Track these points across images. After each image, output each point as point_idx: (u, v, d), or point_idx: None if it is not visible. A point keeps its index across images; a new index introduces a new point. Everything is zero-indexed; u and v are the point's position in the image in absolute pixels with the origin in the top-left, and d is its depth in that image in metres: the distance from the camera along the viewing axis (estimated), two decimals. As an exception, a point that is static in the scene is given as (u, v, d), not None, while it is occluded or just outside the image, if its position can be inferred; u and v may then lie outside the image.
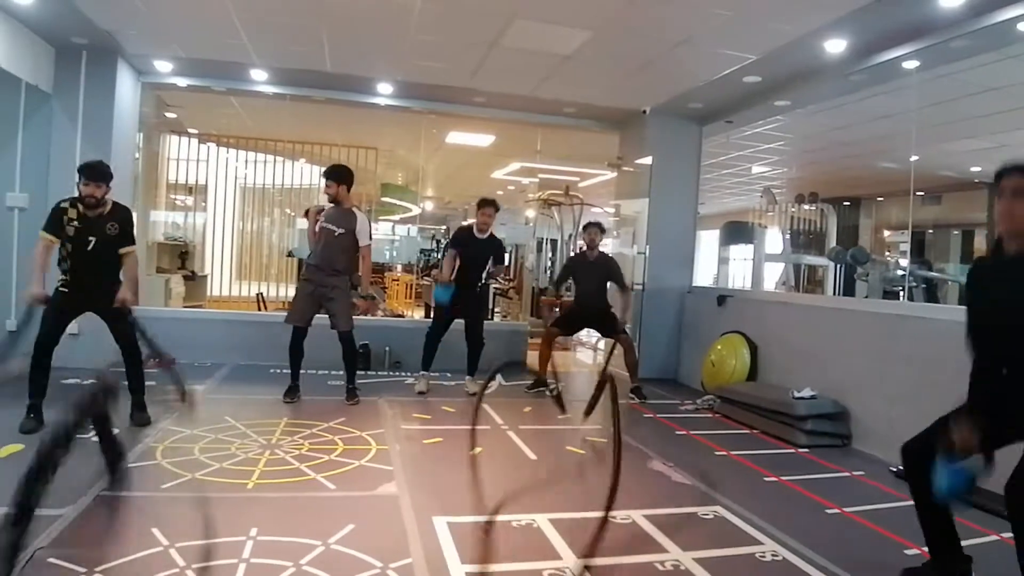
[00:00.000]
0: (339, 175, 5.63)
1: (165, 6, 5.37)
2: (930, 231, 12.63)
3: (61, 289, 4.40)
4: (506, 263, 6.76)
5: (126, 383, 4.74)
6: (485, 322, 6.76)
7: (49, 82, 6.30)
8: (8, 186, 6.23)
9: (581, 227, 7.51)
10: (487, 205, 6.40)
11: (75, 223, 4.36)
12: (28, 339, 5.87)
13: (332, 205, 5.60)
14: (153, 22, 5.72)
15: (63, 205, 4.40)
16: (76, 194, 4.48)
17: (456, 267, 6.35)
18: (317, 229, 5.57)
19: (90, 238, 4.40)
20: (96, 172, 4.40)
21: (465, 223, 6.73)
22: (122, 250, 4.56)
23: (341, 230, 5.53)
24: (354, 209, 5.64)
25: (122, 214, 4.57)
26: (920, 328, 4.65)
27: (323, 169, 5.72)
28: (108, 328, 4.57)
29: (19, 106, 6.22)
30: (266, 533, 2.92)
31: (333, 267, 5.55)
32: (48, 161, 6.29)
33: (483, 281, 6.54)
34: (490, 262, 6.45)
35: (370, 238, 5.68)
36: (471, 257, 6.35)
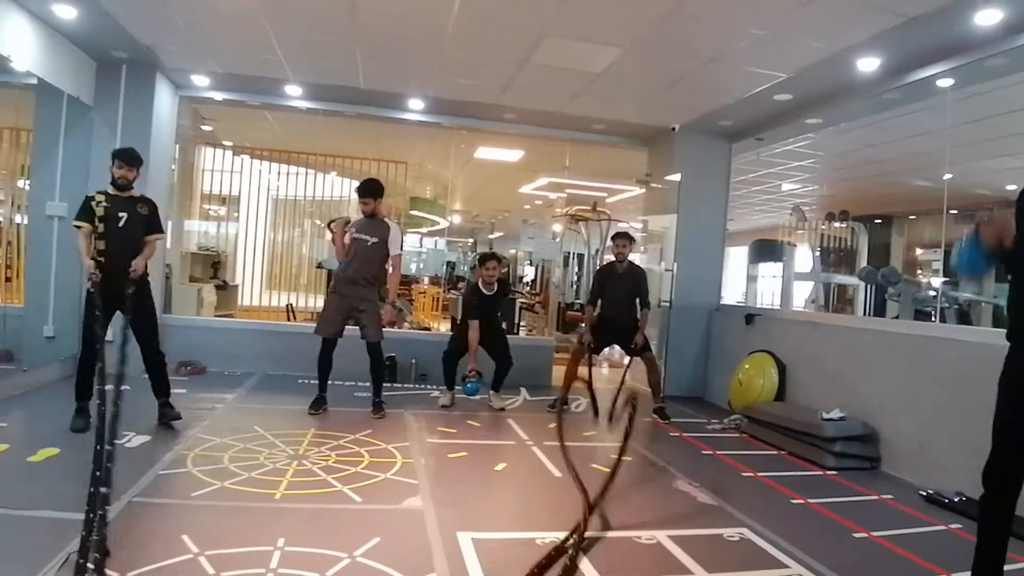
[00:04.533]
0: (375, 191, 5.69)
1: (204, 23, 5.50)
2: (964, 249, 12.42)
3: (91, 290, 4.49)
4: (505, 299, 6.85)
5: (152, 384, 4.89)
6: (510, 336, 6.79)
7: (90, 95, 6.47)
8: (49, 195, 6.38)
9: (610, 237, 7.48)
10: (489, 259, 6.47)
11: (104, 204, 4.60)
12: (65, 345, 6.05)
13: (364, 216, 5.67)
14: (192, 38, 5.86)
15: (90, 195, 4.66)
16: (105, 187, 4.72)
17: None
18: (347, 240, 5.62)
19: (121, 214, 4.62)
20: (128, 156, 4.70)
21: (473, 280, 6.76)
22: (149, 236, 4.77)
23: (374, 239, 5.59)
24: (386, 219, 5.70)
25: (150, 202, 4.84)
26: (952, 351, 4.58)
27: (356, 185, 5.74)
28: (132, 330, 4.66)
29: (61, 118, 6.37)
30: (293, 544, 2.96)
31: (365, 277, 5.61)
32: (88, 172, 6.42)
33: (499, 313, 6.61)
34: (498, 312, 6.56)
35: (401, 248, 5.74)
36: (483, 310, 6.35)
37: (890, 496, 4.41)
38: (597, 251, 11.65)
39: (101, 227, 4.56)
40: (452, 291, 12.14)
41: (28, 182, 6.88)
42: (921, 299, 8.89)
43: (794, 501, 4.21)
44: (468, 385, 6.22)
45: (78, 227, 4.54)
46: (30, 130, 6.81)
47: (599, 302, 6.65)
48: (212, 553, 2.80)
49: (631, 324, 6.49)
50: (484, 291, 6.36)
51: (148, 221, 4.76)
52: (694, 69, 5.76)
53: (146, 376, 4.84)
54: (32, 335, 6.33)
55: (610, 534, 3.28)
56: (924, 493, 4.39)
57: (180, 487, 3.67)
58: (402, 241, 5.77)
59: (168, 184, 7.30)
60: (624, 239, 6.64)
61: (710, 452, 5.32)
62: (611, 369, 9.92)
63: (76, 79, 6.19)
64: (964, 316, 8.70)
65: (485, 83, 6.57)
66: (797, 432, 5.35)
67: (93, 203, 4.58)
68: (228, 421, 5.16)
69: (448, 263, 15.28)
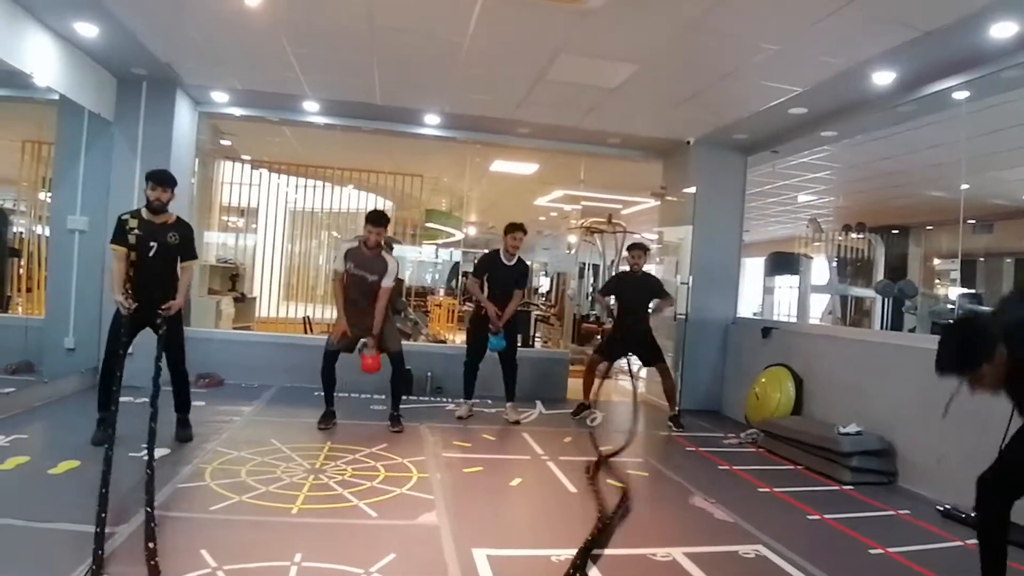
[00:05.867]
0: (386, 221, 5.69)
1: (223, 41, 5.58)
2: (981, 259, 12.34)
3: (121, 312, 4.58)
4: (526, 287, 6.69)
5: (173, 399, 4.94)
6: (524, 349, 6.80)
7: (111, 111, 6.57)
8: (70, 209, 6.47)
9: (626, 247, 7.54)
10: (516, 229, 6.36)
11: (136, 231, 4.62)
12: (85, 357, 6.11)
13: (363, 247, 5.63)
14: (211, 56, 5.94)
15: (124, 217, 4.68)
16: (136, 207, 4.77)
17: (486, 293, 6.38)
18: (346, 272, 5.64)
19: (151, 243, 4.64)
20: (162, 178, 4.68)
21: (489, 250, 6.73)
22: (183, 263, 4.83)
23: (375, 277, 5.62)
24: (383, 254, 5.68)
25: (184, 227, 4.84)
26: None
27: (367, 214, 5.73)
28: (157, 345, 4.73)
29: (82, 133, 6.47)
30: (310, 559, 2.98)
31: (370, 307, 5.64)
32: (108, 186, 6.53)
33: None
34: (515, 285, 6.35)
35: (393, 281, 5.70)
36: (499, 283, 6.33)
37: (907, 511, 4.39)
38: (612, 262, 11.66)
39: (132, 255, 4.61)
40: (468, 303, 12.14)
41: (49, 195, 6.99)
42: (938, 312, 8.84)
43: (810, 517, 4.19)
44: (493, 340, 6.26)
45: (115, 249, 4.62)
46: (51, 143, 6.92)
47: (616, 312, 6.74)
48: (230, 568, 2.83)
49: (646, 332, 6.55)
50: (504, 261, 6.35)
51: (180, 248, 4.78)
52: (709, 84, 5.78)
53: (169, 388, 4.91)
54: (53, 347, 6.41)
55: (625, 551, 3.28)
56: (941, 508, 4.37)
57: (199, 501, 3.70)
58: (396, 275, 5.77)
59: (188, 198, 7.37)
60: (639, 250, 6.75)
61: (726, 467, 5.30)
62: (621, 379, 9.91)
63: (97, 95, 6.30)
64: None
65: (500, 99, 6.62)
66: (814, 447, 5.32)
67: (126, 227, 4.61)
68: (245, 434, 5.21)
69: (465, 273, 15.28)
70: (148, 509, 3.22)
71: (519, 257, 6.45)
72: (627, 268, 6.96)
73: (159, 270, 4.71)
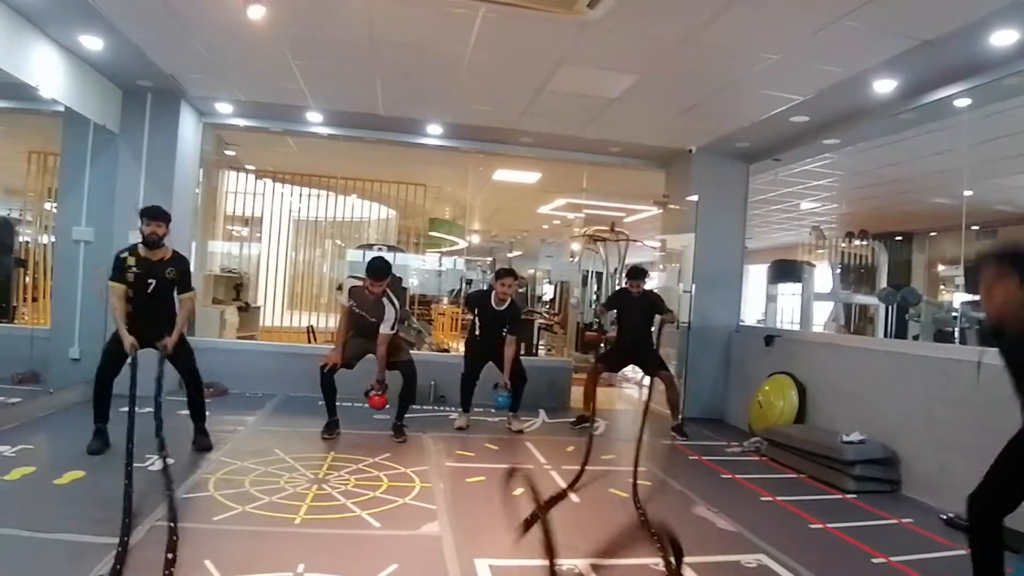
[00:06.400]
0: (387, 274, 5.61)
1: (227, 53, 5.62)
2: (986, 265, 12.29)
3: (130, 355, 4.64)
4: (517, 333, 6.67)
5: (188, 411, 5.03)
6: (528, 357, 6.80)
7: (116, 122, 6.61)
8: (75, 220, 6.53)
9: (626, 272, 7.56)
10: (506, 275, 6.37)
11: (134, 269, 4.68)
12: (90, 367, 6.13)
13: (365, 289, 5.59)
14: (216, 68, 5.98)
15: (122, 255, 4.73)
16: (134, 240, 4.83)
17: (479, 327, 6.41)
18: (348, 306, 5.71)
19: (150, 280, 4.71)
20: (155, 212, 4.74)
21: (484, 288, 6.70)
22: (182, 295, 4.91)
23: (373, 319, 5.65)
24: (384, 300, 5.64)
25: (180, 261, 4.91)
26: (972, 372, 4.54)
27: (368, 264, 5.62)
28: (167, 360, 4.77)
29: (87, 145, 6.52)
30: (313, 570, 2.99)
31: (372, 340, 5.68)
32: (113, 197, 6.57)
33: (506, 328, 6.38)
34: (506, 328, 6.30)
35: (392, 328, 5.68)
36: (488, 325, 6.34)
37: (910, 520, 4.38)
38: (615, 270, 11.66)
39: (131, 291, 4.67)
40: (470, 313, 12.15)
41: (55, 205, 7.03)
42: (941, 319, 8.81)
43: (813, 526, 4.18)
44: (498, 398, 6.26)
45: (113, 286, 4.67)
46: (57, 154, 6.97)
47: (617, 327, 6.80)
48: (234, 579, 2.84)
49: (647, 345, 6.58)
50: (494, 305, 6.32)
51: (177, 283, 4.85)
52: (710, 94, 5.80)
53: (183, 399, 5.01)
54: (58, 357, 6.45)
55: (626, 561, 3.28)
56: (944, 517, 4.35)
57: (202, 511, 3.72)
58: (394, 322, 5.73)
59: (192, 207, 7.43)
60: (638, 278, 6.84)
61: (729, 476, 5.29)
62: (632, 387, 9.92)
63: (102, 107, 6.34)
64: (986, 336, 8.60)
65: (502, 109, 6.66)
66: (817, 455, 5.31)
67: (124, 265, 4.66)
68: (249, 444, 5.23)
69: (468, 282, 15.32)
70: (171, 523, 3.24)
71: (512, 301, 6.41)
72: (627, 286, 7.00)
73: (158, 306, 4.79)
